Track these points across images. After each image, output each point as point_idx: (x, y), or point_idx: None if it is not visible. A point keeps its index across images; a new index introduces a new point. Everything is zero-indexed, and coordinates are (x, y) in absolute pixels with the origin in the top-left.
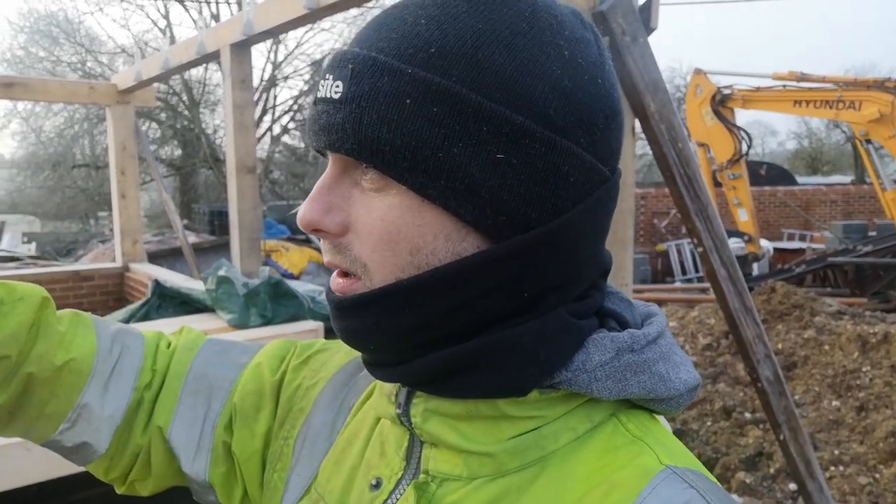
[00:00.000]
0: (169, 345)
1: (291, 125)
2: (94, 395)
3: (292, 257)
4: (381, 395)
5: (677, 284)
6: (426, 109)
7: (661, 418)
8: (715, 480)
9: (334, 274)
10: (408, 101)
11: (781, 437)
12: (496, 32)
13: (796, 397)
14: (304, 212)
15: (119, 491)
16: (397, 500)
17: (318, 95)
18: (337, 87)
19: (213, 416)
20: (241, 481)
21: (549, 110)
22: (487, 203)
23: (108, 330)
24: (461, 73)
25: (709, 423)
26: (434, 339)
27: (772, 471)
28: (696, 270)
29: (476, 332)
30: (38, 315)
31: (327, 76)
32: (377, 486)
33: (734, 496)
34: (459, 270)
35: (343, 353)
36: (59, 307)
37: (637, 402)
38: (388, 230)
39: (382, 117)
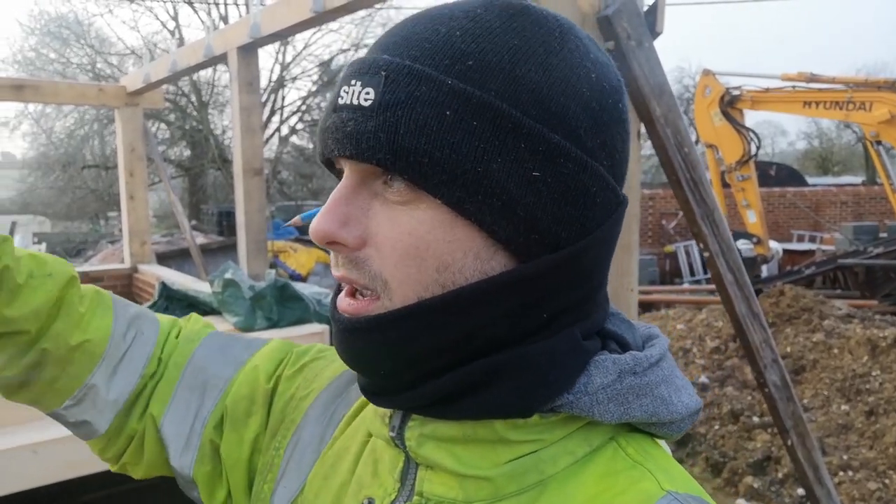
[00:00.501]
0: (178, 333)
1: (300, 126)
2: (102, 377)
3: (300, 258)
4: (375, 414)
5: (685, 286)
6: (466, 122)
7: (663, 442)
8: None
9: (342, 294)
10: (448, 112)
11: (789, 443)
12: (531, 50)
13: (805, 401)
14: (319, 223)
15: (112, 469)
16: None
17: (341, 102)
18: (367, 94)
19: (204, 414)
20: (226, 484)
21: (581, 131)
22: (522, 221)
23: (126, 313)
24: (499, 88)
25: (716, 427)
26: (450, 363)
27: (780, 475)
28: (705, 272)
29: (490, 351)
30: (62, 293)
31: (353, 82)
32: None
33: (741, 500)
34: (487, 290)
35: (338, 364)
36: None
37: (637, 426)
38: (415, 245)
39: (421, 127)
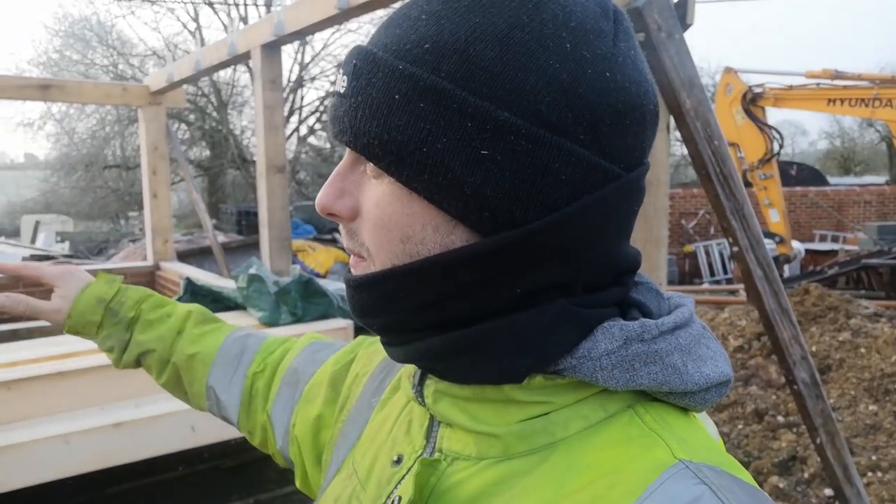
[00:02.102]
0: (285, 344)
1: (318, 126)
2: (217, 380)
3: (318, 257)
4: (406, 374)
5: (705, 286)
6: (413, 105)
7: (704, 415)
8: (747, 479)
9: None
10: (396, 96)
11: (818, 441)
12: (492, 26)
13: (831, 401)
14: (319, 197)
15: (274, 459)
16: None
17: (334, 88)
18: (343, 81)
19: (293, 404)
20: (302, 461)
21: (541, 106)
22: (470, 198)
23: (237, 333)
24: (450, 69)
25: (740, 427)
26: (433, 324)
27: (806, 475)
28: (725, 272)
29: (476, 321)
30: (182, 324)
31: (341, 71)
32: (398, 461)
33: None
34: (447, 262)
35: None
36: None
37: (657, 396)
38: (380, 217)
39: (374, 112)
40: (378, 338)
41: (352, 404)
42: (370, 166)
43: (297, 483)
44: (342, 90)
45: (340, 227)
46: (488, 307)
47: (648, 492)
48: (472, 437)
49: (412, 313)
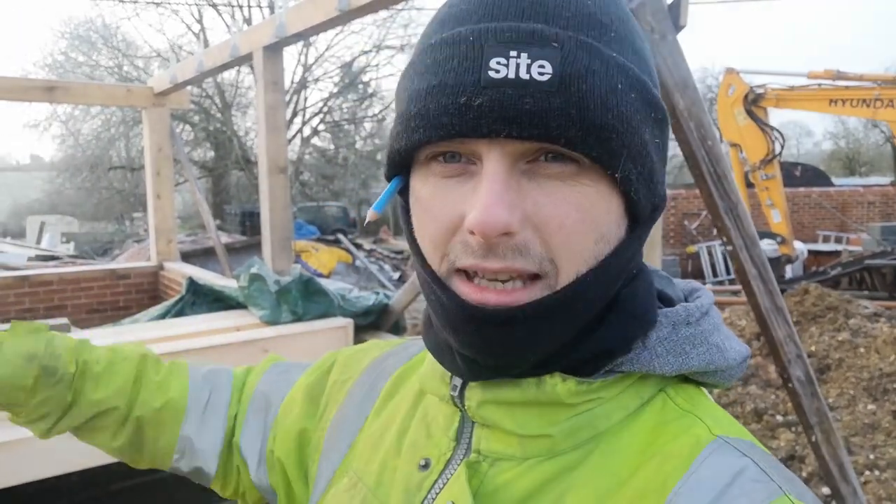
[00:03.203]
0: (249, 375)
1: (321, 127)
2: (192, 428)
3: (322, 257)
4: (433, 375)
5: (708, 286)
6: (628, 95)
7: (706, 392)
8: (766, 450)
9: (472, 286)
10: (619, 85)
11: (813, 439)
12: (632, 21)
13: (830, 400)
14: (494, 216)
15: (243, 500)
16: (448, 479)
17: (497, 76)
18: (542, 67)
19: (267, 429)
20: (287, 483)
21: (660, 97)
22: (655, 185)
23: (199, 373)
24: (634, 59)
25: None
26: (589, 327)
27: (804, 474)
28: (728, 272)
29: (612, 304)
30: (138, 370)
31: (512, 54)
32: (426, 466)
33: None
34: (624, 253)
35: (376, 350)
36: (96, 304)
37: (692, 377)
38: (581, 219)
39: (604, 102)
40: (361, 349)
41: (333, 412)
42: (558, 167)
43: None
44: (543, 77)
45: (482, 248)
46: (621, 286)
47: (695, 466)
48: (515, 438)
49: (587, 319)
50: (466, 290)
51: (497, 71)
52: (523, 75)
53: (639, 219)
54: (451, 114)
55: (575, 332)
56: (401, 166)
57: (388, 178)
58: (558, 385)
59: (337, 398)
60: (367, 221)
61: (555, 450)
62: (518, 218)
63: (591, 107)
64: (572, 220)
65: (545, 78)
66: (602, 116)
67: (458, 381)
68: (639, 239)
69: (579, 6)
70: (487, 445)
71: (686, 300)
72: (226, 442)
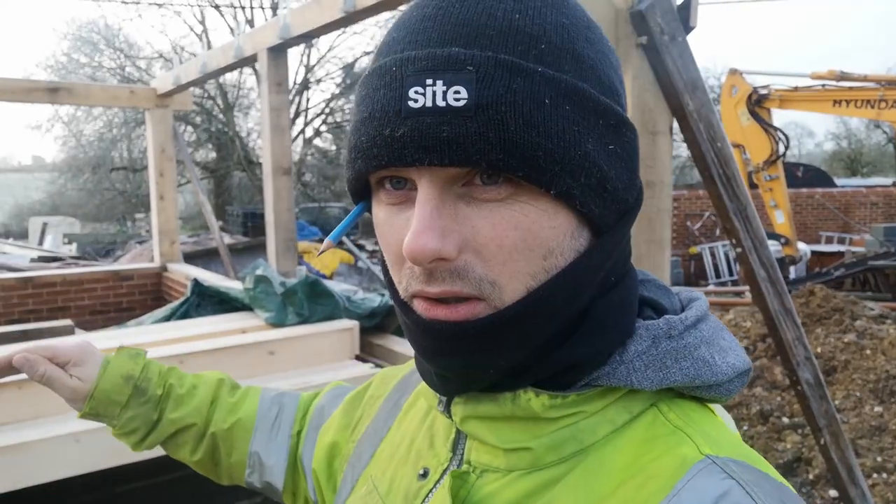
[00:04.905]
0: (317, 396)
1: (323, 128)
2: (260, 444)
3: (324, 259)
4: (428, 388)
5: (711, 287)
6: (561, 108)
7: (720, 409)
8: (772, 472)
9: (426, 304)
10: (546, 101)
11: (822, 442)
12: (576, 26)
13: (836, 402)
14: (421, 244)
15: None
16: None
17: (416, 106)
18: (457, 93)
19: (315, 442)
20: (321, 491)
21: (622, 99)
22: (610, 194)
23: (269, 394)
24: (572, 68)
25: (745, 428)
26: (554, 341)
27: (811, 477)
28: (730, 273)
29: (581, 316)
30: (215, 393)
31: (428, 82)
32: (424, 475)
33: None
34: (585, 265)
35: (410, 365)
36: (100, 305)
37: (683, 391)
38: (522, 238)
39: (528, 121)
40: (401, 366)
41: (365, 424)
42: (494, 188)
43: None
44: (459, 103)
45: (422, 274)
46: (589, 298)
47: (677, 489)
48: (500, 451)
49: (544, 337)
50: (422, 309)
51: (415, 100)
52: (440, 103)
53: (601, 228)
54: (379, 145)
55: (539, 345)
56: (361, 193)
57: (355, 204)
58: (532, 400)
59: (370, 412)
60: (320, 252)
61: (538, 463)
62: (454, 243)
63: (511, 127)
64: (511, 239)
65: (461, 104)
66: (525, 135)
67: (443, 397)
68: (607, 247)
69: (505, 22)
70: (477, 457)
71: (684, 311)
72: (290, 457)
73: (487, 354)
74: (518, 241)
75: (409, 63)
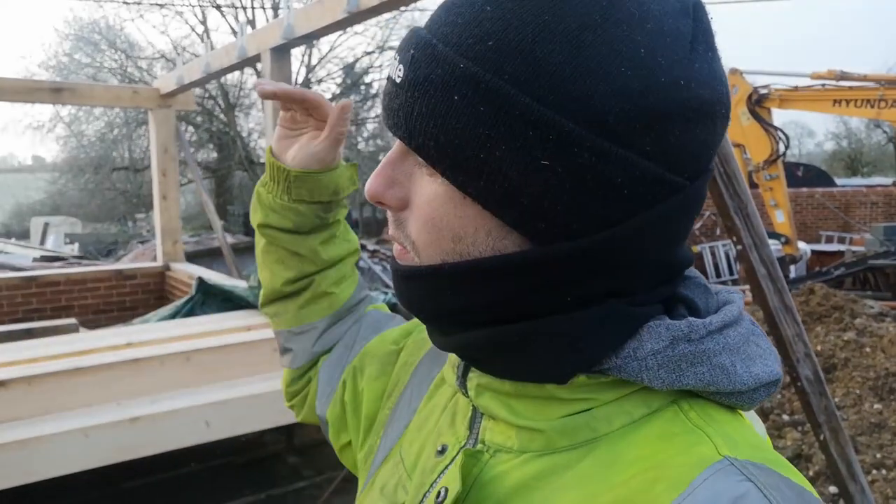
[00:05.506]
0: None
1: None
2: (323, 326)
3: None
4: (450, 363)
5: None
6: (473, 108)
7: (751, 413)
8: (795, 477)
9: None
10: (456, 97)
11: (822, 438)
12: (562, 25)
13: (836, 400)
14: (368, 184)
15: (286, 405)
16: None
17: (389, 73)
18: (399, 70)
19: (342, 367)
20: (344, 420)
21: (609, 117)
22: (526, 208)
23: (361, 293)
24: (515, 71)
25: None
26: (476, 322)
27: (811, 473)
28: (731, 272)
29: (518, 320)
30: (349, 256)
31: (396, 55)
32: (442, 451)
33: None
34: (497, 266)
35: None
36: (103, 304)
37: (706, 396)
38: (431, 215)
39: (431, 110)
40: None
41: (399, 392)
42: (423, 162)
43: (330, 437)
44: (398, 79)
45: (388, 214)
46: (536, 310)
47: (692, 487)
48: (514, 431)
49: (458, 311)
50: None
51: (390, 68)
52: (393, 75)
53: (534, 239)
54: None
55: (457, 313)
56: None
57: None
58: None
59: (403, 379)
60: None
61: (550, 446)
62: (395, 195)
63: (415, 112)
64: (423, 212)
65: (399, 80)
66: (424, 122)
67: (460, 371)
68: (543, 265)
69: (474, 11)
70: (491, 437)
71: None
72: (326, 353)
73: (411, 297)
74: (427, 216)
75: (404, 36)
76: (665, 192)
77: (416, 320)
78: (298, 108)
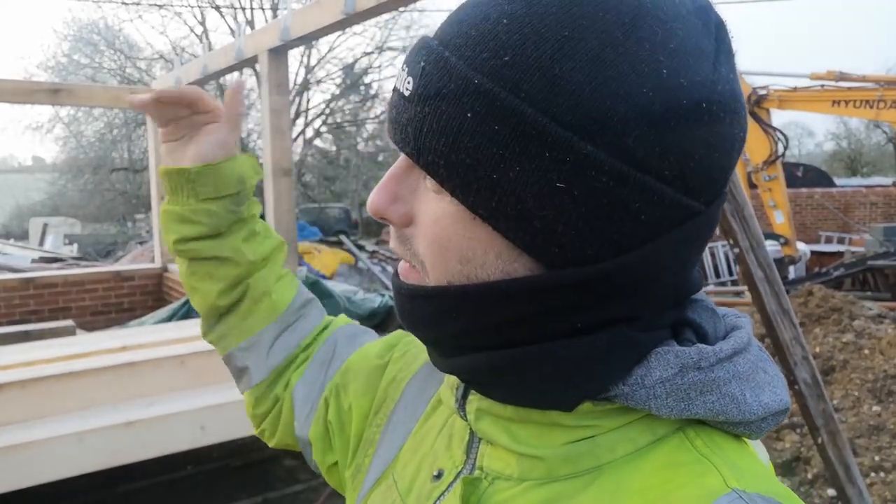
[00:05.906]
0: (332, 322)
1: (324, 129)
2: (271, 335)
3: (324, 259)
4: (448, 384)
5: (710, 288)
6: (487, 126)
7: (759, 444)
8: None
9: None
10: (469, 114)
11: (819, 441)
12: (583, 42)
13: (835, 402)
14: (371, 198)
15: (255, 432)
16: None
17: (396, 84)
18: (408, 82)
19: (322, 385)
20: (328, 440)
21: (629, 140)
22: (539, 231)
23: (305, 295)
24: (532, 90)
25: None
26: (481, 346)
27: (809, 476)
28: (730, 273)
29: (520, 344)
30: (275, 253)
31: (404, 66)
32: (438, 476)
33: None
34: (507, 290)
35: None
36: (101, 306)
37: (714, 424)
38: (439, 235)
39: (443, 127)
40: (411, 341)
41: (389, 409)
42: (431, 180)
43: (315, 458)
44: (406, 92)
45: (391, 229)
46: (544, 335)
47: None
48: (513, 458)
49: (463, 334)
50: (399, 263)
51: (397, 79)
52: (400, 87)
53: (546, 262)
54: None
55: (462, 336)
56: None
57: None
58: None
59: (393, 396)
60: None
61: (552, 475)
62: (398, 211)
63: (425, 129)
64: (431, 231)
65: (407, 93)
66: (434, 140)
67: (459, 393)
68: (552, 290)
69: (490, 24)
70: (489, 463)
71: (725, 339)
72: (284, 365)
73: (414, 317)
74: (435, 236)
75: (412, 46)
76: (681, 216)
77: (398, 332)
78: (179, 109)
